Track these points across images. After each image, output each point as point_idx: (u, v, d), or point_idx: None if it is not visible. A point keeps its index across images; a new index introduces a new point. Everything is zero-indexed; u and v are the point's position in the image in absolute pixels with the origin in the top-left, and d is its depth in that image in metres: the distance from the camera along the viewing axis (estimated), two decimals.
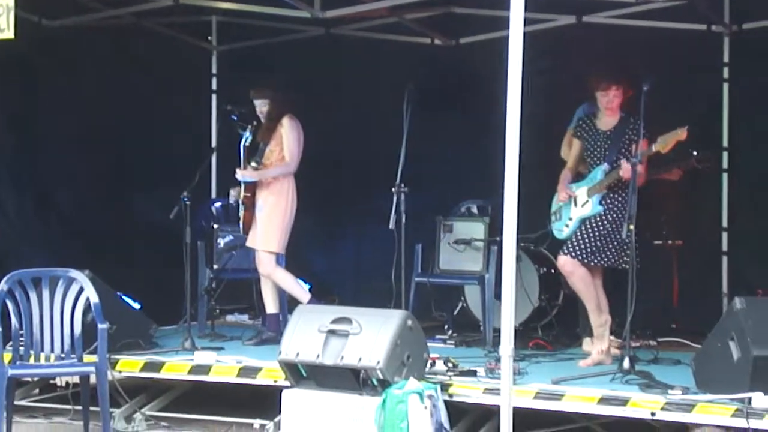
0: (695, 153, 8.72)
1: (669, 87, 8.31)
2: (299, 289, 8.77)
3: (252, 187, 8.75)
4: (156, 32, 10.43)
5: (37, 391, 8.42)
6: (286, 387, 7.15)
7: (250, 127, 8.78)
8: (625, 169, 7.60)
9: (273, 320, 8.91)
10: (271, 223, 8.71)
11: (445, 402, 6.75)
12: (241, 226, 8.88)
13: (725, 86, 9.81)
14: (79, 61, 9.89)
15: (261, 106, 8.80)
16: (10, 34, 7.32)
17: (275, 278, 8.80)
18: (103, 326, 7.14)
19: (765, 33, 9.47)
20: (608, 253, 7.82)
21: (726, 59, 9.83)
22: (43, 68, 9.64)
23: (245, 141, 8.78)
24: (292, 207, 8.77)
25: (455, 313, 9.66)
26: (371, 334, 6.83)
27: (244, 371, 7.67)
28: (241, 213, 8.82)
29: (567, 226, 8.07)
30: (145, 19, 10.24)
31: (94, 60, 9.94)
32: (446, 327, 9.39)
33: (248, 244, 8.88)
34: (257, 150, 8.77)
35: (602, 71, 8.01)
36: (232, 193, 8.98)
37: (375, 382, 6.79)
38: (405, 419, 6.47)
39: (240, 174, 8.73)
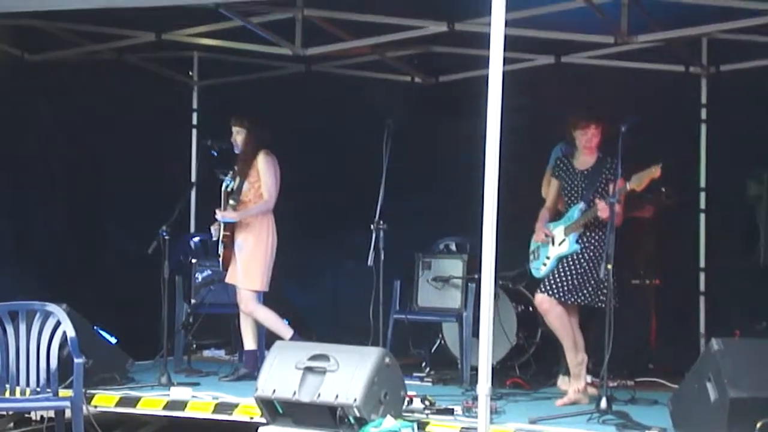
0: (663, 189, 8.80)
1: (647, 127, 8.36)
2: (282, 326, 8.72)
3: (231, 226, 8.74)
4: (138, 67, 10.46)
5: (11, 425, 8.34)
6: (263, 424, 7.11)
7: (231, 172, 8.79)
8: (602, 209, 7.64)
9: (250, 357, 8.87)
10: (252, 261, 8.70)
11: None
12: (220, 263, 8.87)
13: (703, 127, 9.89)
14: (60, 96, 9.90)
15: (236, 134, 8.81)
16: None
17: (257, 316, 8.78)
18: (79, 361, 7.12)
19: (742, 75, 9.58)
20: (585, 291, 7.84)
21: (704, 100, 9.92)
22: (25, 102, 9.64)
23: (227, 187, 8.77)
24: (272, 244, 8.76)
25: (433, 350, 9.65)
26: (348, 371, 6.81)
27: (220, 407, 7.63)
28: (221, 251, 8.81)
29: (545, 264, 8.08)
30: (127, 54, 10.28)
31: (76, 94, 9.94)
32: (424, 364, 9.37)
33: (228, 280, 8.87)
34: (234, 188, 8.78)
35: (581, 110, 8.06)
36: (214, 231, 8.94)
37: (352, 420, 6.76)
38: None
39: (220, 215, 8.73)
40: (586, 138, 7.96)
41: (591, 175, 7.95)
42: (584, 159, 8.04)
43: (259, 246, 8.72)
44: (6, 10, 7.32)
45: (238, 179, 8.77)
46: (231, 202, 8.73)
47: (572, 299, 7.87)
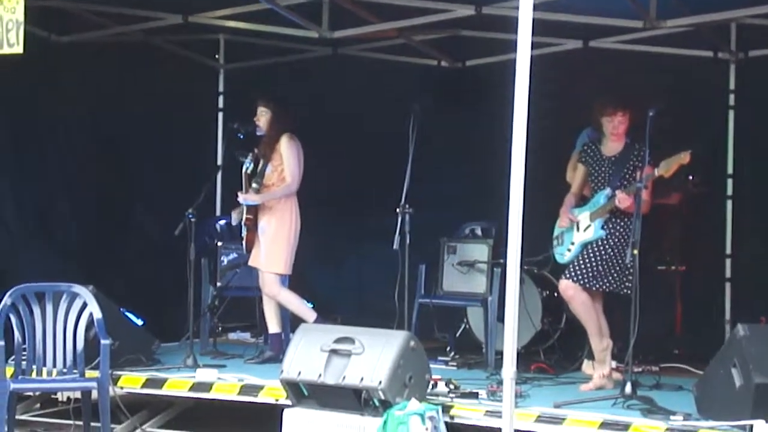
0: (691, 177, 8.75)
1: (675, 113, 8.33)
2: (305, 309, 8.74)
3: (254, 210, 8.74)
4: (164, 49, 10.48)
5: (38, 405, 8.42)
6: (288, 406, 7.14)
7: (251, 155, 8.79)
8: (620, 199, 7.62)
9: (275, 340, 8.90)
10: (276, 244, 8.71)
11: (446, 424, 6.73)
12: (244, 246, 8.87)
13: (731, 113, 9.84)
14: (87, 77, 9.93)
15: (260, 114, 8.82)
16: (19, 48, 7.37)
17: (280, 299, 8.79)
18: (105, 342, 7.16)
19: None
20: (610, 278, 7.82)
21: (732, 86, 9.87)
22: (51, 84, 9.67)
23: (246, 169, 8.77)
24: (296, 227, 8.77)
25: (457, 334, 9.65)
26: (373, 354, 6.83)
27: (246, 389, 7.66)
28: (244, 234, 8.81)
29: (569, 250, 8.07)
30: (153, 37, 10.29)
31: (102, 76, 9.97)
32: (448, 348, 9.39)
33: (251, 263, 8.88)
34: (257, 170, 8.79)
35: (609, 96, 8.03)
36: (234, 215, 8.97)
37: (376, 403, 6.78)
38: None
39: (242, 198, 8.74)
40: (613, 125, 7.93)
41: (618, 162, 7.92)
42: (612, 145, 8.01)
43: (282, 229, 8.73)
44: None
45: (261, 162, 8.78)
46: (254, 185, 8.74)
47: (597, 285, 7.85)
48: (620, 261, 7.69)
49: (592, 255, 7.87)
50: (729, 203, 9.83)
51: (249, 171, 8.77)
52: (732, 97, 9.87)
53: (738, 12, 8.65)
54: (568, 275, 7.90)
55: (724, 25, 9.44)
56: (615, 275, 7.81)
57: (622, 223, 7.83)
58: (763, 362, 6.37)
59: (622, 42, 9.72)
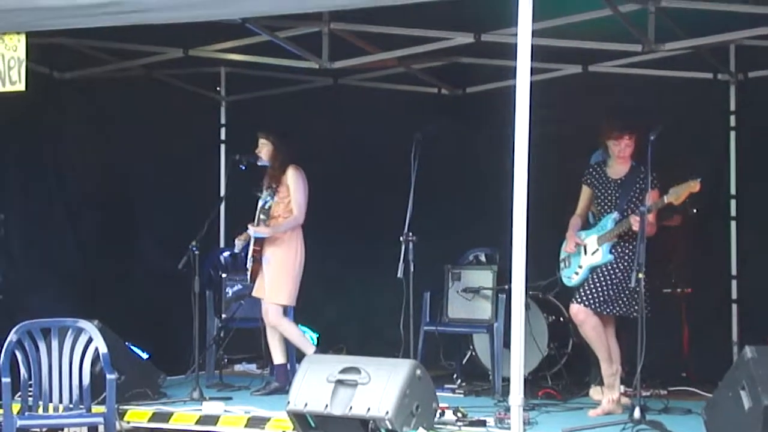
0: (695, 210, 8.77)
1: (676, 136, 8.33)
2: (305, 341, 8.78)
3: (261, 241, 8.78)
4: (166, 83, 10.51)
5: None
6: None
7: (267, 190, 8.78)
8: (636, 222, 7.60)
9: (281, 371, 8.89)
10: (280, 275, 8.72)
11: None
12: (248, 276, 8.90)
13: (732, 134, 9.85)
14: (89, 113, 9.98)
15: (261, 146, 8.86)
16: (21, 86, 7.37)
17: (281, 330, 8.80)
18: (111, 376, 7.15)
19: None
20: (620, 302, 7.82)
21: (732, 107, 9.87)
22: (54, 120, 9.71)
23: (265, 204, 8.77)
24: (300, 258, 8.79)
25: (464, 362, 9.63)
26: (380, 383, 6.81)
27: (253, 421, 7.64)
28: (249, 265, 8.84)
29: (576, 273, 8.06)
30: (155, 71, 10.32)
31: (104, 111, 10.02)
32: (455, 376, 9.37)
33: (255, 294, 8.90)
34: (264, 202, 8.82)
35: (616, 120, 8.04)
36: (238, 242, 8.99)
37: None
38: None
39: (252, 230, 8.76)
40: (619, 148, 7.95)
41: (625, 185, 7.94)
42: (618, 168, 8.03)
43: (288, 260, 8.74)
44: (35, 29, 7.36)
45: (267, 194, 8.80)
46: (261, 216, 8.76)
47: (608, 310, 7.84)
48: (629, 285, 7.67)
49: (602, 279, 7.87)
50: (733, 224, 9.82)
51: (268, 206, 8.77)
52: (733, 118, 9.88)
53: (736, 34, 8.67)
54: (579, 299, 7.88)
55: (723, 47, 9.46)
56: (625, 299, 7.81)
57: (630, 247, 7.82)
58: None
59: (622, 66, 9.73)
